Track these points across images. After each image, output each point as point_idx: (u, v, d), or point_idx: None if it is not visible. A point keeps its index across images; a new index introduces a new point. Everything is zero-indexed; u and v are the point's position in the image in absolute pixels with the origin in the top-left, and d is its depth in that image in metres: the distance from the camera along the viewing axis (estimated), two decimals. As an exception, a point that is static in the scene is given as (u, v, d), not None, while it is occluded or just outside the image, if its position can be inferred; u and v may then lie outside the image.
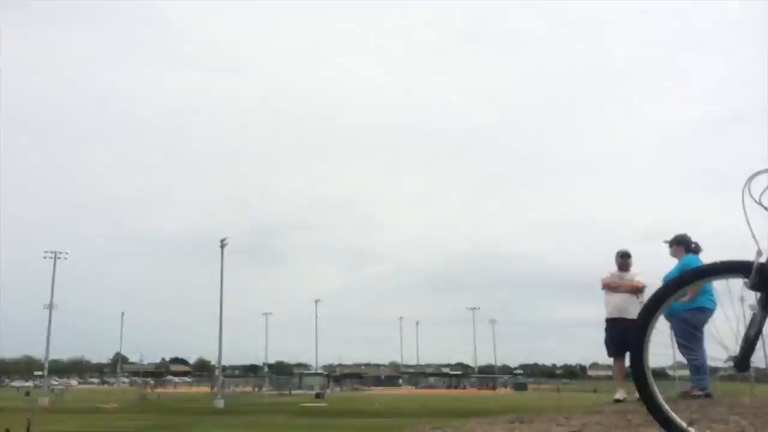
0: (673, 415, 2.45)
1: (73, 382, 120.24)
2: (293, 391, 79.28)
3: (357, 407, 42.84)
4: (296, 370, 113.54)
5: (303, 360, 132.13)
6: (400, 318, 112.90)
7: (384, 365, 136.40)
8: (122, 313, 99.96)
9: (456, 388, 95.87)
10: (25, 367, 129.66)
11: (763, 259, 2.28)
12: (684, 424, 2.44)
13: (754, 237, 2.25)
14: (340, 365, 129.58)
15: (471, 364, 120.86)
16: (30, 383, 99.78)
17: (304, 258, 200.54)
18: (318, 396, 61.19)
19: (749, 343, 2.28)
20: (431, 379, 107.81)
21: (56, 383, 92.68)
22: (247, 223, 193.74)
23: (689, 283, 2.66)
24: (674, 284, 2.61)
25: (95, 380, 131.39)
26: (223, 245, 54.39)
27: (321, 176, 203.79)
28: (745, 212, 2.25)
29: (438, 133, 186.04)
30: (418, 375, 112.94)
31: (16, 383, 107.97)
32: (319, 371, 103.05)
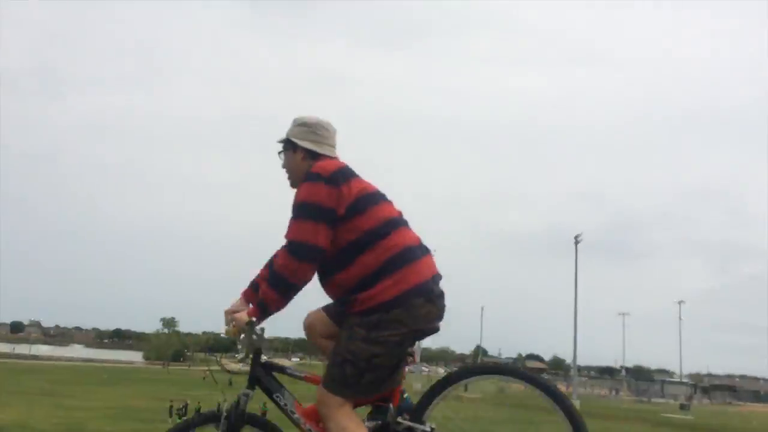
0: None
1: (440, 369, 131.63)
2: (653, 399, 74.32)
3: (730, 424, 38.30)
4: (657, 377, 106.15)
5: (664, 366, 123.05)
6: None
7: (764, 379, 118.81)
8: (482, 308, 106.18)
9: None
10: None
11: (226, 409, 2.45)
12: None
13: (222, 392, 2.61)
14: (708, 375, 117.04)
15: None
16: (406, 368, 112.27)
17: (666, 254, 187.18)
18: (683, 407, 56.31)
19: None
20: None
21: (426, 370, 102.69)
22: (603, 218, 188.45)
23: None
24: None
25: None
26: (577, 241, 53.59)
27: (685, 165, 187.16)
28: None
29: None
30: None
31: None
32: (683, 380, 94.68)
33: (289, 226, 2.38)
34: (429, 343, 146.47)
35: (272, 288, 2.36)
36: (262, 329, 2.47)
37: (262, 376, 2.49)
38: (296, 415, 2.42)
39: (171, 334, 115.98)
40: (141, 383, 53.80)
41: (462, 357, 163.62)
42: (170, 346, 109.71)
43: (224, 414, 2.44)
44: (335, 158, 2.55)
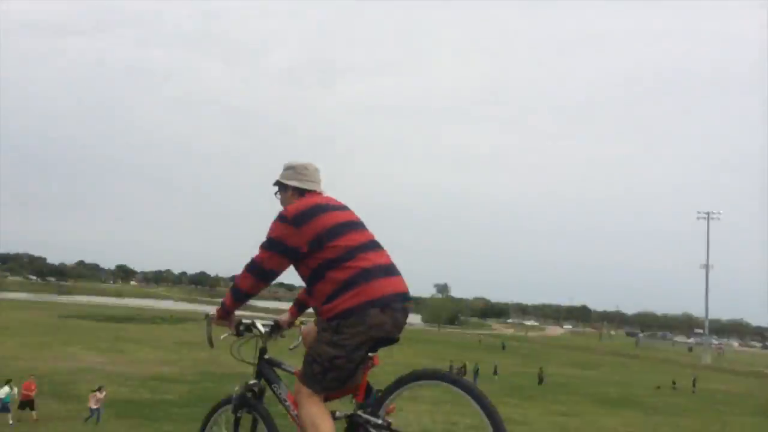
0: None
1: (734, 343, 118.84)
2: None
3: None
4: None
5: None
6: None
7: None
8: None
9: None
10: (685, 324, 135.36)
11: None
12: None
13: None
14: None
15: None
16: (691, 340, 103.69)
17: None
18: None
19: None
20: None
21: (716, 342, 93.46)
22: None
23: None
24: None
25: (756, 344, 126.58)
26: None
27: None
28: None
29: None
30: None
31: (678, 338, 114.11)
32: None
33: (259, 247, 2.87)
34: (719, 314, 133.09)
35: (232, 287, 2.95)
36: (267, 332, 3.15)
37: (266, 370, 3.13)
38: (287, 403, 2.96)
39: (445, 299, 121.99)
40: (422, 343, 57.70)
41: (760, 329, 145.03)
42: (444, 310, 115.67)
43: (234, 396, 3.11)
44: (319, 193, 3.07)
